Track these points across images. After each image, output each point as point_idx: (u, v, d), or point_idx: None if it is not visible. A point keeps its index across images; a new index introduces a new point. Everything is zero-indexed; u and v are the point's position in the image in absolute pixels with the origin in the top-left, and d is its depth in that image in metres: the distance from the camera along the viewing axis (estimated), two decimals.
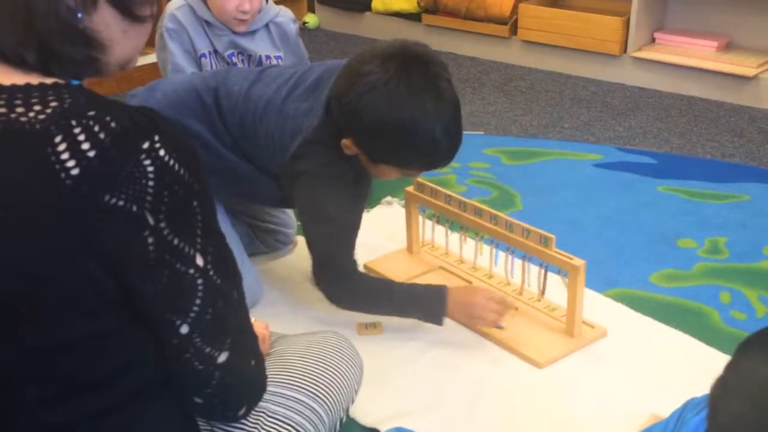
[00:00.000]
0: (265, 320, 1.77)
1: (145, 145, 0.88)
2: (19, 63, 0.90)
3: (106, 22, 0.93)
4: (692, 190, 2.44)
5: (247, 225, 2.06)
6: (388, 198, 2.33)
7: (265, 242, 2.09)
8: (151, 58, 2.93)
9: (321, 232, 1.70)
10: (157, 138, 0.89)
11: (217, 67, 2.20)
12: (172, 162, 0.89)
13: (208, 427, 1.14)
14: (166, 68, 2.21)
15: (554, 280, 1.78)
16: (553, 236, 1.69)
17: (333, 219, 1.67)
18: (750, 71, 3.14)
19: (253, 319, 1.37)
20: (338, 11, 4.27)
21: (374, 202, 2.33)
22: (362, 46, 3.99)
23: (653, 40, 3.46)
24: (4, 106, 0.87)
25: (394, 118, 1.50)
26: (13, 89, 0.89)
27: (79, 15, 0.91)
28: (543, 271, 1.77)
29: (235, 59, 2.22)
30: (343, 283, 1.72)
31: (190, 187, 0.92)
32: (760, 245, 2.13)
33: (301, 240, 2.14)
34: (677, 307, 1.87)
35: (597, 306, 1.84)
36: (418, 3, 3.91)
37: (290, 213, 2.13)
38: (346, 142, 1.58)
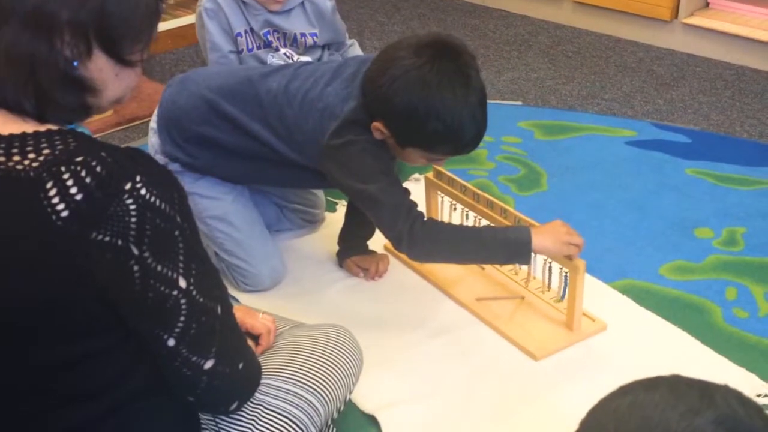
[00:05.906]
0: (284, 300, 1.90)
1: (128, 186, 0.98)
2: (18, 111, 1.01)
3: (99, 68, 1.03)
4: (720, 174, 2.45)
5: (275, 204, 2.16)
6: (416, 175, 2.41)
7: (292, 220, 2.17)
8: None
9: (375, 191, 1.68)
10: (138, 178, 0.99)
11: (253, 45, 2.29)
12: (153, 199, 0.99)
13: (211, 416, 1.28)
14: (206, 46, 2.31)
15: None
16: None
17: (381, 177, 1.69)
18: None
19: (260, 314, 1.49)
20: None
21: (402, 179, 2.40)
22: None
23: (707, 4, 3.40)
24: (3, 155, 0.98)
25: (424, 102, 1.58)
26: (11, 138, 0.99)
27: (75, 64, 1.01)
28: (548, 265, 1.84)
29: (270, 37, 2.29)
30: (422, 230, 1.68)
31: (171, 219, 1.02)
32: None
33: (329, 217, 2.24)
34: (682, 302, 1.92)
35: (603, 298, 1.91)
36: None
37: (318, 193, 2.21)
38: (376, 124, 1.65)
